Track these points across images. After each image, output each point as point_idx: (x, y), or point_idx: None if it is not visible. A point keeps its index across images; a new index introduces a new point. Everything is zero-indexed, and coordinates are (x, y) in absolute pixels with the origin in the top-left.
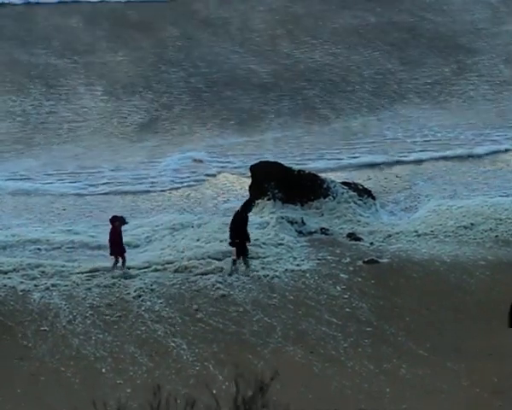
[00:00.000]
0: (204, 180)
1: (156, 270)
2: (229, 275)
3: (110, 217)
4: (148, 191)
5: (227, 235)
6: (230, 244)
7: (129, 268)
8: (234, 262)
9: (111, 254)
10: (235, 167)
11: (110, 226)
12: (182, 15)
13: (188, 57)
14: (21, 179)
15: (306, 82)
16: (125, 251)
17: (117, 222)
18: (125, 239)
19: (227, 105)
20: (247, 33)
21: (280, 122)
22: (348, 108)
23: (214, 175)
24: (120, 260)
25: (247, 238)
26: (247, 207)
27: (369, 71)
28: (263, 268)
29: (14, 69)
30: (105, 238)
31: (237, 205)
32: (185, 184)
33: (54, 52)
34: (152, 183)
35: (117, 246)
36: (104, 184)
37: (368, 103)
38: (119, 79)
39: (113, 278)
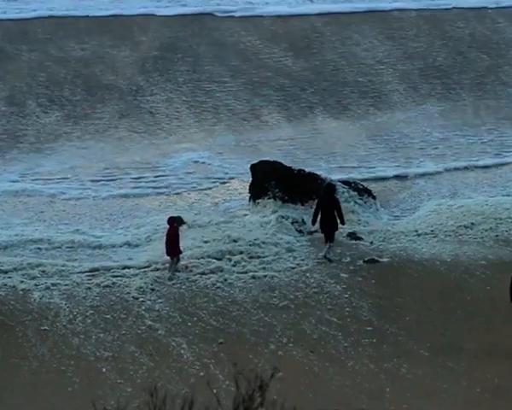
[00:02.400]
0: (206, 182)
1: (156, 269)
2: (325, 256)
3: (168, 217)
4: (149, 194)
5: (226, 235)
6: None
7: (129, 267)
8: (328, 246)
9: (167, 255)
10: (238, 170)
11: (167, 227)
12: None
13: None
14: (21, 181)
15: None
16: (180, 252)
17: (175, 223)
18: (125, 239)
19: (230, 105)
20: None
21: (286, 123)
22: (359, 110)
23: (216, 177)
24: (175, 260)
25: (342, 221)
26: (332, 189)
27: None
28: (263, 268)
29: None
30: (106, 239)
31: (237, 205)
32: (186, 187)
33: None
34: (153, 187)
35: (174, 246)
36: (104, 186)
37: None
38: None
39: (169, 279)
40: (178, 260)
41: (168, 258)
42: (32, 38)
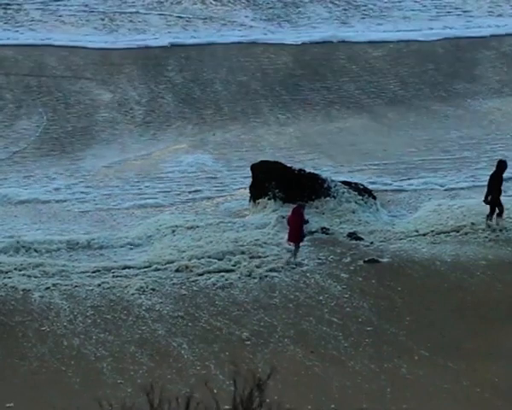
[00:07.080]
0: (206, 183)
1: (157, 269)
2: (489, 227)
3: (295, 205)
4: (149, 195)
5: (226, 235)
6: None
7: (129, 268)
8: (488, 218)
9: (291, 241)
10: (238, 171)
11: (292, 213)
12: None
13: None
14: (23, 186)
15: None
16: (302, 240)
17: (301, 209)
18: (126, 239)
19: (233, 106)
20: None
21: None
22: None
23: (216, 178)
24: (298, 245)
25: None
26: (503, 166)
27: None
28: (263, 268)
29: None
30: (107, 239)
31: (237, 205)
32: (186, 187)
33: None
34: (153, 187)
35: (297, 232)
36: (104, 186)
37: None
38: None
39: (287, 264)
40: (299, 245)
41: (291, 244)
42: None
